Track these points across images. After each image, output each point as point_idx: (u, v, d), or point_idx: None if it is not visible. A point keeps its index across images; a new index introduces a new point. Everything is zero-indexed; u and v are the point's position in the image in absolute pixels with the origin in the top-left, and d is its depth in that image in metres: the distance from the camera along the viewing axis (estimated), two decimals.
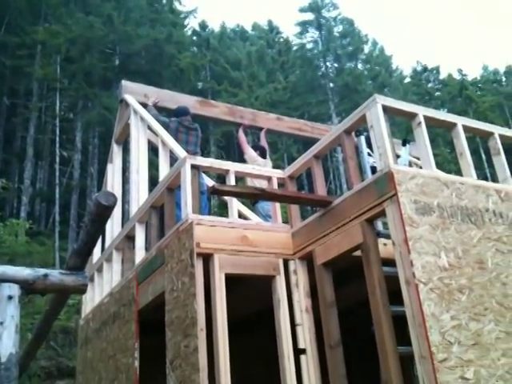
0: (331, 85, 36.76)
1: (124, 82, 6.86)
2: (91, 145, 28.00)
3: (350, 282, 4.77)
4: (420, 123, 4.05)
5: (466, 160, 4.17)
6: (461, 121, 4.35)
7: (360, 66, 40.62)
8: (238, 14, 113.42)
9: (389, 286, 3.65)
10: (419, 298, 3.23)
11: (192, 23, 39.09)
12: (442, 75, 46.43)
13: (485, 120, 39.02)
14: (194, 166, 4.57)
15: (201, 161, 4.71)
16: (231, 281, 4.17)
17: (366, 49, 44.04)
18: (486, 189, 4.02)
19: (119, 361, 5.22)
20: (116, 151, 7.17)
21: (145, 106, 6.54)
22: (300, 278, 4.43)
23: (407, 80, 48.14)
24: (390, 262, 3.66)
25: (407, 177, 3.65)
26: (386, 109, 3.94)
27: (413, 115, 4.11)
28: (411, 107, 4.15)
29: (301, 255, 4.47)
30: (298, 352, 4.16)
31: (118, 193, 6.89)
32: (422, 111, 4.12)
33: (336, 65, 38.27)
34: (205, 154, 23.50)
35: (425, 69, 46.16)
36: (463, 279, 3.49)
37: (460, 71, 45.65)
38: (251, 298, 5.15)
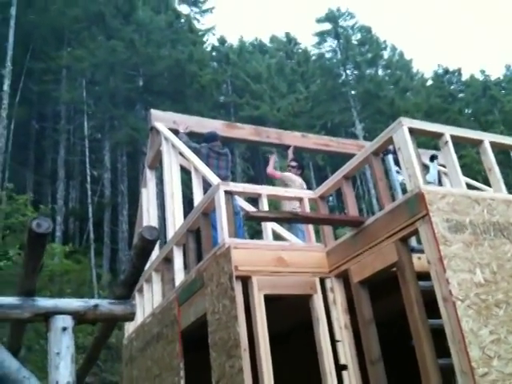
0: (352, 92, 36.76)
1: (153, 111, 7.12)
2: (120, 163, 28.62)
3: (385, 295, 4.86)
4: (447, 142, 4.16)
5: (495, 175, 4.25)
6: (487, 137, 4.44)
7: (380, 71, 40.51)
8: (256, 28, 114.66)
9: (424, 298, 3.75)
10: (457, 314, 3.33)
11: (211, 39, 39.70)
12: (464, 76, 45.99)
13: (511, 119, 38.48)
14: (227, 192, 4.74)
15: (234, 186, 4.89)
16: (268, 298, 4.31)
17: (386, 55, 43.89)
18: None
19: (165, 380, 5.41)
20: (149, 176, 7.41)
21: (175, 132, 6.77)
22: (337, 296, 4.55)
23: (429, 83, 47.76)
24: (424, 276, 3.76)
25: (438, 196, 3.75)
26: (412, 131, 4.06)
27: (439, 135, 4.22)
28: (437, 127, 4.26)
29: (336, 273, 4.59)
30: (340, 368, 4.27)
31: (154, 216, 7.12)
32: (448, 130, 4.23)
33: (356, 72, 38.23)
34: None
35: (446, 71, 45.72)
36: (500, 294, 3.58)
37: (483, 72, 45.16)
38: (288, 314, 5.28)
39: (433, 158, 5.82)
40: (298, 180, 6.86)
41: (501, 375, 3.32)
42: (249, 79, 36.51)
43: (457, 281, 3.44)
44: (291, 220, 4.34)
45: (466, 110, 42.90)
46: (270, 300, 4.30)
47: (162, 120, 6.97)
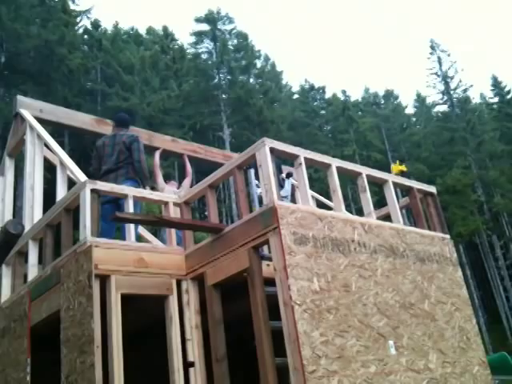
0: (224, 96, 37.66)
1: (19, 97, 6.81)
2: None
3: (235, 298, 5.26)
4: (301, 164, 4.67)
5: (338, 197, 4.86)
6: (335, 162, 5.04)
7: (252, 80, 41.97)
8: (133, 17, 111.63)
9: (268, 302, 4.17)
10: (294, 317, 3.79)
11: (84, 21, 37.91)
12: (328, 95, 49.39)
13: (364, 140, 42.38)
14: (93, 190, 4.80)
15: (100, 185, 4.94)
16: (127, 297, 4.46)
17: (259, 63, 45.60)
18: (352, 222, 4.74)
19: (9, 375, 5.26)
20: (8, 165, 7.06)
21: (40, 121, 6.54)
22: (191, 297, 4.84)
23: (295, 96, 50.52)
24: (270, 281, 4.19)
25: (288, 211, 4.23)
26: (272, 150, 4.50)
27: (295, 156, 4.72)
28: (294, 149, 4.75)
29: (193, 276, 4.88)
30: (187, 365, 4.56)
31: (10, 207, 6.83)
32: (302, 153, 4.74)
33: (229, 77, 39.23)
34: None
35: (312, 87, 48.75)
36: (331, 301, 4.13)
37: (344, 92, 48.87)
38: (146, 313, 5.45)
39: (288, 175, 6.42)
40: (167, 189, 6.99)
41: (326, 372, 3.84)
42: (120, 69, 35.59)
43: (296, 287, 3.92)
44: (155, 223, 4.54)
45: (326, 127, 46.19)
46: (128, 299, 4.46)
47: (28, 107, 6.69)
